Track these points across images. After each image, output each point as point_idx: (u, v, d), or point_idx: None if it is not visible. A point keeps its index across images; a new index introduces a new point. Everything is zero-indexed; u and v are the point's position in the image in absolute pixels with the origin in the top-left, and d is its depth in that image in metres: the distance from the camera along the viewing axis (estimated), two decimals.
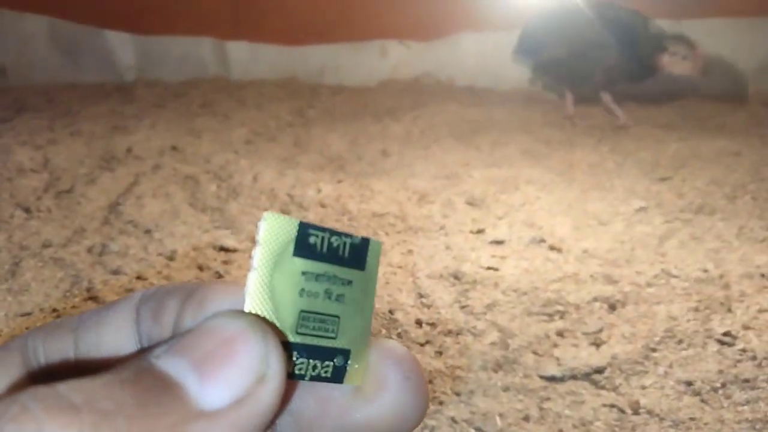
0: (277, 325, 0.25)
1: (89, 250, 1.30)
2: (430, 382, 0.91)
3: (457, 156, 1.90)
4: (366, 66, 2.56)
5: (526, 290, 1.16)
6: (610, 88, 2.14)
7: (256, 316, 0.24)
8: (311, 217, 1.55)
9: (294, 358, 0.25)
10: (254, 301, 0.24)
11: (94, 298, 1.10)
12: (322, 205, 1.60)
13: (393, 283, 1.20)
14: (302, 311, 0.26)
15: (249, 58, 2.59)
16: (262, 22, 2.58)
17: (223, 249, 1.37)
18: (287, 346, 0.25)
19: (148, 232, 1.38)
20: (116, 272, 1.20)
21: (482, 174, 1.73)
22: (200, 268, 1.24)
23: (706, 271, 1.20)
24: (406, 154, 1.96)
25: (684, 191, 1.58)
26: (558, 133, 2.04)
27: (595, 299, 1.12)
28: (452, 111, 2.23)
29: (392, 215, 1.52)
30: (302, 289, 0.26)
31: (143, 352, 0.25)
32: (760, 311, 1.07)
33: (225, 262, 1.32)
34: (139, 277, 1.18)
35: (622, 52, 2.05)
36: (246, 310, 0.24)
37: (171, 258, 1.28)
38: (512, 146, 1.95)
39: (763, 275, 1.18)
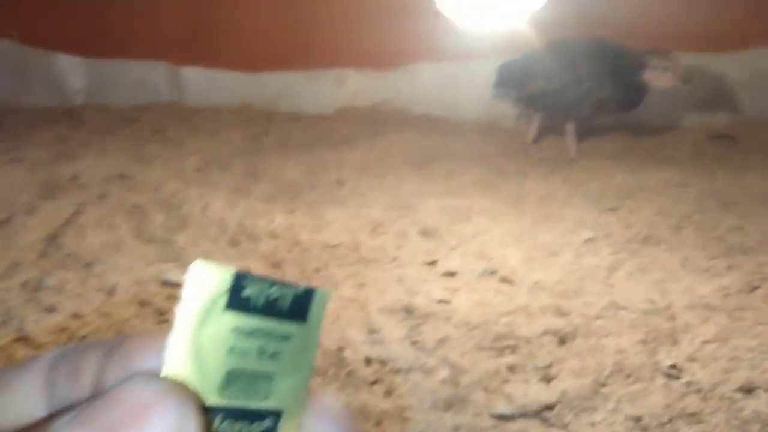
0: (201, 387, 0.22)
1: (23, 286, 1.23)
2: (379, 424, 0.88)
3: (412, 185, 1.90)
4: (323, 94, 2.55)
5: (478, 324, 1.14)
6: (599, 119, 2.19)
7: (175, 379, 0.22)
8: (263, 248, 1.51)
9: (217, 423, 0.23)
10: (175, 361, 0.22)
11: (24, 339, 1.03)
12: (274, 236, 1.56)
13: (344, 318, 1.17)
14: (229, 371, 0.23)
15: (204, 83, 2.55)
16: (219, 48, 2.55)
17: (168, 283, 1.31)
18: (212, 410, 0.23)
19: (88, 265, 1.32)
20: (51, 310, 1.14)
21: (436, 204, 1.73)
22: (141, 304, 1.18)
23: (652, 302, 1.21)
24: (361, 183, 1.94)
25: (631, 222, 1.61)
26: (512, 164, 2.07)
27: (546, 332, 1.11)
28: (409, 139, 2.23)
29: (345, 246, 1.50)
30: (231, 347, 0.23)
31: (50, 419, 0.22)
32: (704, 342, 1.08)
33: (169, 298, 1.26)
34: (75, 315, 1.12)
35: (612, 81, 2.06)
36: (163, 373, 0.22)
37: (111, 293, 1.22)
38: (466, 176, 1.96)
39: (706, 306, 1.20)
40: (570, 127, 2.17)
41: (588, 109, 2.13)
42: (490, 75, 2.48)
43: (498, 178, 1.95)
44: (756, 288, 1.28)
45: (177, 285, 1.32)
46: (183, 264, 1.43)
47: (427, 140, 2.23)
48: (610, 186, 1.85)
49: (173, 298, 1.27)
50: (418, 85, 2.54)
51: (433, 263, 1.40)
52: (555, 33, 2.19)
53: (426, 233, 1.57)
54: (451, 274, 1.34)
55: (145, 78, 2.53)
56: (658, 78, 2.03)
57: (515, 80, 2.24)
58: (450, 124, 2.45)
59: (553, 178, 1.93)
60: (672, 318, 1.16)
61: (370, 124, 2.40)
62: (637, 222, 1.61)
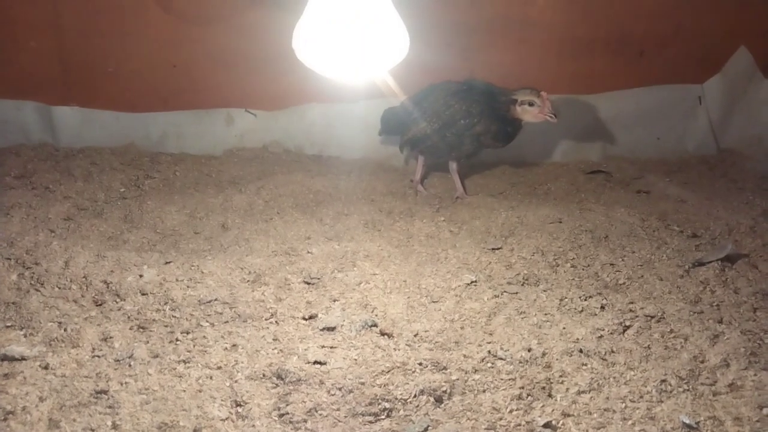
0: None
1: None
2: None
3: (299, 229, 1.78)
4: (211, 134, 2.38)
5: (353, 387, 1.03)
6: (480, 154, 2.20)
7: None
8: (128, 308, 1.33)
9: None
10: None
11: None
12: (143, 293, 1.38)
13: (207, 390, 1.03)
14: None
15: (80, 123, 2.30)
16: (97, 87, 2.32)
17: (7, 358, 1.11)
18: None
19: None
20: None
21: (322, 249, 1.62)
22: None
23: (529, 350, 1.16)
24: (246, 227, 1.80)
25: (512, 261, 1.57)
26: (400, 203, 2.00)
27: (422, 392, 1.03)
28: (298, 181, 2.11)
29: (220, 302, 1.35)
30: None
31: None
32: (579, 393, 1.04)
33: (5, 376, 1.06)
34: None
35: (486, 116, 2.09)
36: None
37: None
38: (355, 217, 1.87)
39: (581, 351, 1.17)
40: (453, 166, 2.17)
41: (468, 146, 2.15)
42: (378, 114, 2.44)
43: (386, 219, 1.87)
44: (627, 328, 1.27)
45: (19, 359, 1.12)
46: (32, 332, 1.22)
47: (317, 181, 2.13)
48: (493, 224, 1.83)
49: (12, 376, 1.07)
50: (309, 125, 2.44)
51: (312, 318, 1.28)
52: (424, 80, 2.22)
53: (310, 281, 1.46)
54: (330, 330, 1.23)
55: (11, 118, 2.25)
56: (526, 112, 2.08)
57: (398, 126, 2.23)
58: (342, 163, 2.36)
59: (439, 217, 1.89)
60: (548, 367, 1.11)
61: (259, 165, 2.27)
62: (518, 261, 1.58)
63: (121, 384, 1.02)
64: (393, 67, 2.34)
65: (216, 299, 1.35)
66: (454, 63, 2.43)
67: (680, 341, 1.21)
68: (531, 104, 2.06)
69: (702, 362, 1.14)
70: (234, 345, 1.17)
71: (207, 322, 1.27)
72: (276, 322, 1.27)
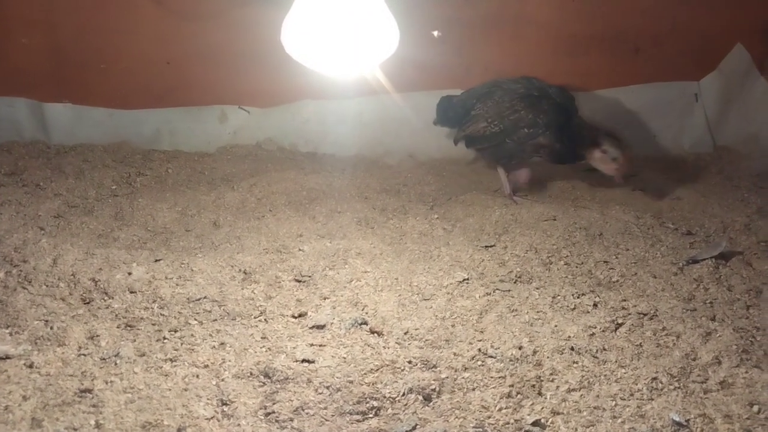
0: None
1: None
2: None
3: (292, 226, 1.76)
4: (204, 131, 2.37)
5: (341, 385, 1.02)
6: (525, 161, 2.06)
7: None
8: (116, 306, 1.32)
9: None
10: None
11: None
12: (131, 291, 1.37)
13: (193, 388, 1.01)
14: None
15: (73, 121, 2.28)
16: (90, 84, 2.30)
17: None
18: None
19: None
20: None
21: (314, 247, 1.61)
22: None
23: (520, 348, 1.15)
24: (238, 225, 1.79)
25: (505, 259, 1.56)
26: (393, 200, 1.99)
27: (411, 390, 1.01)
28: (291, 178, 2.10)
29: (209, 300, 1.33)
30: None
31: None
32: (569, 391, 1.03)
33: None
34: None
35: (554, 132, 1.94)
36: None
37: None
38: (348, 215, 1.85)
39: (572, 348, 1.16)
40: (500, 169, 2.05)
41: (526, 155, 2.02)
42: (373, 112, 2.43)
43: (379, 216, 1.86)
44: (620, 325, 1.26)
45: (3, 358, 1.11)
46: (18, 330, 1.21)
47: (310, 179, 2.11)
48: (487, 222, 1.82)
49: (3, 373, 1.05)
50: (303, 122, 2.42)
51: (302, 315, 1.27)
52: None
53: (300, 279, 1.44)
54: (319, 328, 1.22)
55: (3, 115, 2.23)
56: (603, 162, 1.95)
57: (455, 118, 2.12)
58: (336, 161, 2.35)
59: (432, 214, 1.87)
60: (539, 365, 1.10)
61: (252, 163, 2.25)
62: (511, 258, 1.57)
63: (106, 383, 1.01)
64: (385, 63, 2.34)
65: (205, 297, 1.34)
66: (448, 59, 2.42)
67: (672, 339, 1.20)
68: (614, 159, 1.92)
69: (694, 360, 1.13)
70: (222, 343, 1.16)
71: (195, 320, 1.26)
72: (265, 320, 1.25)
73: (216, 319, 1.26)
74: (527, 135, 1.97)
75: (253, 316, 1.27)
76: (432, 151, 2.47)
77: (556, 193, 2.14)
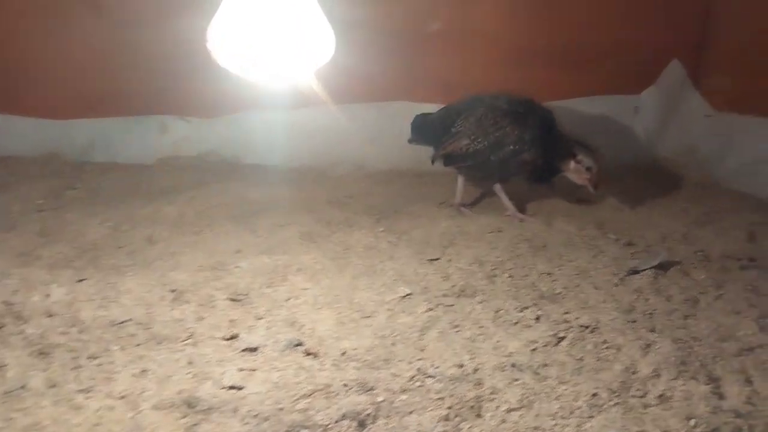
0: None
1: None
2: None
3: (230, 242, 1.68)
4: (143, 142, 2.27)
5: (269, 414, 0.95)
6: (509, 179, 2.00)
7: None
8: (30, 332, 1.21)
9: None
10: None
11: None
12: (49, 314, 1.26)
13: (105, 423, 0.93)
14: None
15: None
16: (18, 92, 2.17)
17: None
18: None
19: None
20: None
21: (252, 263, 1.53)
22: None
23: (461, 366, 1.11)
24: (173, 240, 1.69)
25: (449, 272, 1.53)
26: (339, 213, 1.93)
27: (345, 416, 0.95)
28: (233, 191, 2.02)
29: (134, 323, 1.24)
30: None
31: None
32: (509, 411, 0.99)
33: None
34: None
35: (537, 148, 1.89)
36: None
37: None
38: (292, 228, 1.78)
39: (513, 365, 1.12)
40: (497, 186, 1.98)
41: (511, 171, 1.96)
42: (319, 122, 2.38)
43: (324, 230, 1.80)
44: (561, 339, 1.23)
45: None
46: None
47: (253, 191, 2.04)
48: (433, 234, 1.78)
49: None
50: (247, 133, 2.35)
51: (234, 338, 1.19)
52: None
53: (235, 298, 1.37)
54: (251, 350, 1.14)
55: None
56: (577, 173, 1.91)
57: (432, 136, 2.03)
58: (281, 173, 2.28)
59: (378, 227, 1.82)
60: (479, 384, 1.06)
61: (193, 175, 2.16)
62: (455, 272, 1.53)
63: (6, 420, 0.91)
64: (333, 75, 2.29)
65: (130, 320, 1.25)
66: (396, 71, 2.39)
67: (613, 352, 1.18)
68: (588, 168, 1.90)
69: (634, 373, 1.12)
70: (144, 370, 1.07)
71: (117, 345, 1.16)
72: (194, 343, 1.17)
73: (140, 344, 1.17)
74: (512, 152, 1.91)
75: (180, 340, 1.18)
76: (380, 163, 2.44)
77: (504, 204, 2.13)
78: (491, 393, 1.03)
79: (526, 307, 1.36)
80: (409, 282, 1.47)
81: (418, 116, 2.10)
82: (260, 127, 2.36)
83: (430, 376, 1.07)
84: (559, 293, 1.45)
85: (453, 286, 1.45)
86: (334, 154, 2.40)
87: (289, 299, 1.35)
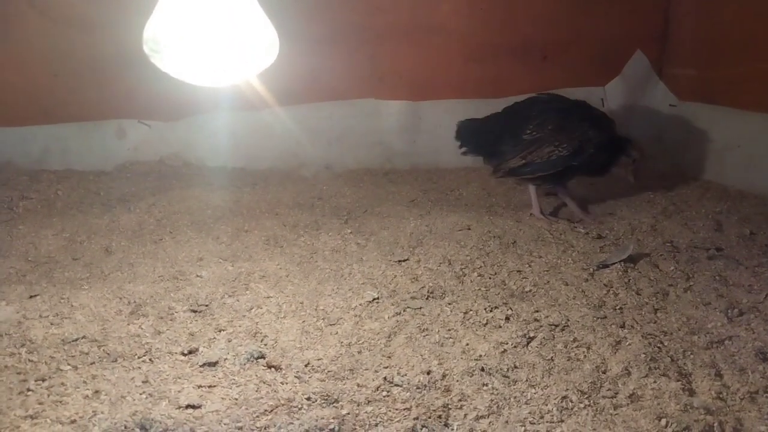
0: None
1: None
2: None
3: (192, 249, 1.62)
4: (100, 148, 2.17)
5: None
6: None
7: None
8: None
9: None
10: None
11: None
12: None
13: None
14: None
15: None
16: None
17: None
18: None
19: None
20: None
21: (214, 272, 1.47)
22: None
23: (429, 372, 1.07)
24: (132, 250, 1.62)
25: (418, 273, 1.49)
26: (306, 216, 1.88)
27: (309, 431, 0.91)
28: (196, 196, 1.95)
29: (88, 339, 1.17)
30: None
31: None
32: (477, 419, 0.95)
33: None
34: None
35: (601, 147, 1.83)
36: None
37: None
38: (255, 233, 1.73)
39: (482, 369, 1.09)
40: (532, 188, 1.90)
41: (584, 173, 1.90)
42: (287, 122, 2.32)
43: (290, 234, 1.74)
44: (531, 339, 1.20)
45: None
46: None
47: (217, 195, 1.97)
48: (402, 234, 1.74)
49: None
50: (210, 135, 2.27)
51: (192, 352, 1.13)
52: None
53: (196, 310, 1.31)
54: (211, 365, 1.09)
55: None
56: (626, 166, 1.88)
57: (486, 143, 1.91)
58: (245, 175, 2.22)
59: (346, 229, 1.78)
60: (447, 391, 1.02)
61: (154, 181, 2.08)
62: (424, 273, 1.49)
63: None
64: (298, 73, 2.23)
65: (84, 337, 1.18)
66: (359, 68, 2.34)
67: (583, 350, 1.16)
68: (634, 160, 1.88)
69: (604, 372, 1.09)
70: (96, 391, 1.01)
71: (69, 365, 1.10)
72: (150, 359, 1.11)
73: (93, 363, 1.10)
74: (590, 156, 1.82)
75: (137, 356, 1.12)
76: (349, 162, 2.39)
77: (472, 200, 2.10)
78: (459, 400, 1.00)
79: (496, 307, 1.33)
80: (376, 285, 1.42)
81: (464, 122, 1.94)
82: (224, 129, 2.29)
83: (396, 385, 1.03)
84: (529, 291, 1.43)
85: (422, 287, 1.42)
86: (301, 154, 2.34)
87: (251, 309, 1.30)
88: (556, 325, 1.25)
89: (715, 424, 0.94)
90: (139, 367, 1.09)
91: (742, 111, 2.13)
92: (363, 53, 2.33)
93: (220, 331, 1.21)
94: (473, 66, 2.39)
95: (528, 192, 1.94)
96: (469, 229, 1.77)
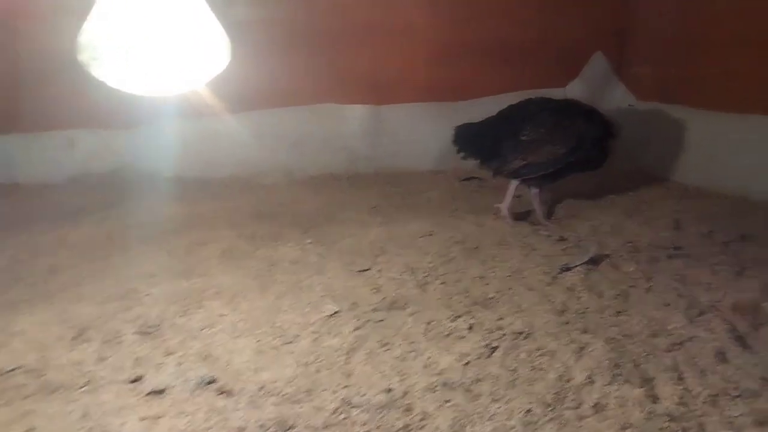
0: None
1: None
2: None
3: (144, 265, 1.54)
4: (48, 160, 2.07)
5: None
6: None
7: None
8: None
9: None
10: None
11: None
12: None
13: None
14: None
15: None
16: None
17: None
18: None
19: None
20: None
21: (165, 289, 1.40)
22: None
23: (389, 390, 1.02)
24: (80, 268, 1.53)
25: (380, 284, 1.44)
26: (266, 226, 1.81)
27: None
28: (150, 208, 1.87)
29: (25, 369, 1.09)
30: None
31: None
32: None
33: None
34: None
35: (594, 145, 1.82)
36: None
37: None
38: (211, 246, 1.65)
39: (445, 384, 1.05)
40: (535, 191, 1.88)
41: (585, 169, 1.88)
42: (246, 129, 2.25)
43: (248, 245, 1.67)
44: (494, 349, 1.17)
45: None
46: None
47: (173, 206, 1.89)
48: (364, 242, 1.69)
49: None
50: (167, 144, 2.19)
51: (138, 380, 1.06)
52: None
53: (145, 331, 1.23)
54: (158, 393, 1.02)
55: None
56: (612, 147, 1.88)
57: (484, 148, 1.90)
58: (204, 184, 2.14)
59: (306, 239, 1.72)
60: (408, 410, 0.98)
61: (106, 193, 1.99)
62: (386, 283, 1.45)
63: None
64: (257, 78, 2.16)
65: (20, 367, 1.10)
66: (321, 71, 2.29)
67: (547, 359, 1.13)
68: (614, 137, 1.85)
69: (568, 381, 1.06)
70: (29, 429, 0.93)
71: (2, 399, 1.01)
72: (92, 389, 1.04)
73: (29, 396, 1.02)
74: (586, 151, 1.81)
75: (77, 386, 1.05)
76: (310, 168, 2.33)
77: (436, 204, 2.07)
78: (421, 419, 0.95)
79: (459, 316, 1.29)
80: (337, 298, 1.37)
81: (460, 127, 1.94)
82: (180, 137, 2.21)
83: (355, 406, 0.98)
84: (492, 297, 1.39)
85: (384, 298, 1.37)
86: (261, 162, 2.27)
87: (204, 328, 1.23)
88: (520, 333, 1.22)
89: (679, 431, 0.92)
90: (79, 399, 1.01)
91: (700, 110, 2.15)
92: (322, 57, 2.28)
93: (169, 354, 1.14)
94: (435, 68, 2.36)
95: (491, 196, 1.91)
96: (432, 235, 1.73)
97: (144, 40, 1.09)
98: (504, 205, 1.87)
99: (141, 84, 1.19)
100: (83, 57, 1.10)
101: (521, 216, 1.90)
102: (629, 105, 2.46)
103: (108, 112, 2.13)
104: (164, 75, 1.15)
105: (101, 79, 1.13)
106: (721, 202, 1.97)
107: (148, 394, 1.01)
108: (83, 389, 1.04)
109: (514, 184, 1.87)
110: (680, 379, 1.07)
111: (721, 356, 1.12)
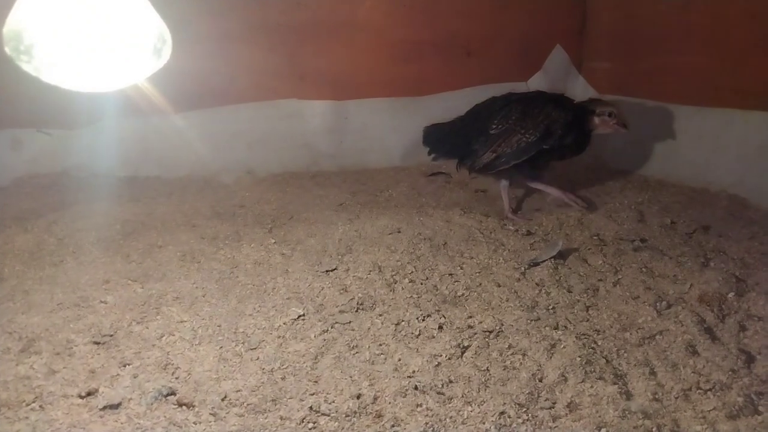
0: None
1: None
2: None
3: (97, 271, 1.45)
4: None
5: None
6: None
7: None
8: None
9: None
10: None
11: None
12: None
13: None
14: None
15: None
16: None
17: None
18: None
19: None
20: None
21: (121, 296, 1.32)
22: None
23: (359, 396, 0.98)
24: (28, 275, 1.43)
25: (347, 284, 1.39)
26: (227, 226, 1.74)
27: None
28: (103, 210, 1.77)
29: None
30: None
31: None
32: None
33: None
34: None
35: (570, 126, 1.81)
36: None
37: None
38: (170, 249, 1.57)
39: (416, 387, 1.01)
40: (505, 183, 1.86)
41: (555, 157, 1.87)
42: (203, 126, 2.16)
43: (208, 247, 1.60)
44: (465, 349, 1.14)
45: None
46: None
47: (127, 208, 1.79)
48: (330, 241, 1.64)
49: None
50: (120, 142, 2.08)
51: (91, 394, 0.99)
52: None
53: (98, 342, 1.15)
54: (113, 407, 0.95)
55: None
56: (605, 125, 1.85)
57: (455, 146, 1.90)
58: (160, 184, 2.04)
59: (270, 239, 1.66)
60: (378, 416, 0.94)
61: (56, 195, 1.87)
62: (353, 283, 1.40)
63: None
64: (214, 73, 2.07)
65: None
66: (280, 68, 2.22)
67: (519, 357, 1.11)
68: (610, 115, 1.84)
69: (540, 380, 1.04)
70: None
71: None
72: (41, 406, 0.96)
73: None
74: (560, 138, 1.81)
75: (25, 403, 0.97)
76: (272, 166, 2.26)
77: (402, 201, 2.03)
78: (392, 426, 0.91)
79: (429, 315, 1.26)
80: (302, 300, 1.32)
81: (430, 127, 1.93)
82: (135, 135, 2.10)
83: (323, 414, 0.93)
84: (462, 295, 1.37)
85: (351, 299, 1.32)
86: (221, 160, 2.19)
87: (162, 336, 1.16)
88: (491, 331, 1.20)
89: (654, 429, 0.91)
90: (27, 417, 0.93)
91: (659, 103, 2.18)
92: (282, 52, 2.21)
93: (125, 365, 1.07)
94: (398, 63, 2.32)
95: (457, 192, 1.89)
96: (399, 231, 1.69)
97: (78, 29, 1.00)
98: (506, 211, 1.86)
99: (76, 79, 1.10)
100: (9, 48, 1.00)
101: (483, 214, 1.88)
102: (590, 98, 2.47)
103: (57, 111, 2.01)
104: (101, 69, 1.07)
105: (33, 73, 1.04)
106: (680, 192, 2.00)
107: (103, 409, 0.95)
108: (30, 406, 0.96)
109: (504, 186, 1.88)
110: (652, 373, 1.07)
111: (692, 349, 1.12)
